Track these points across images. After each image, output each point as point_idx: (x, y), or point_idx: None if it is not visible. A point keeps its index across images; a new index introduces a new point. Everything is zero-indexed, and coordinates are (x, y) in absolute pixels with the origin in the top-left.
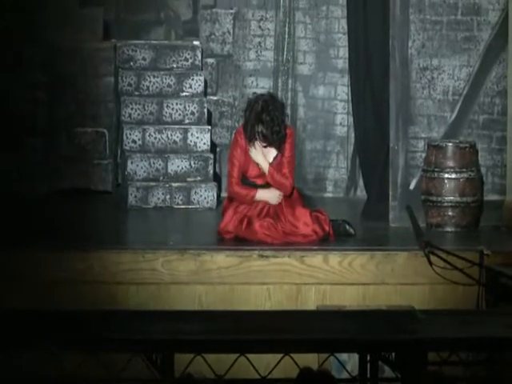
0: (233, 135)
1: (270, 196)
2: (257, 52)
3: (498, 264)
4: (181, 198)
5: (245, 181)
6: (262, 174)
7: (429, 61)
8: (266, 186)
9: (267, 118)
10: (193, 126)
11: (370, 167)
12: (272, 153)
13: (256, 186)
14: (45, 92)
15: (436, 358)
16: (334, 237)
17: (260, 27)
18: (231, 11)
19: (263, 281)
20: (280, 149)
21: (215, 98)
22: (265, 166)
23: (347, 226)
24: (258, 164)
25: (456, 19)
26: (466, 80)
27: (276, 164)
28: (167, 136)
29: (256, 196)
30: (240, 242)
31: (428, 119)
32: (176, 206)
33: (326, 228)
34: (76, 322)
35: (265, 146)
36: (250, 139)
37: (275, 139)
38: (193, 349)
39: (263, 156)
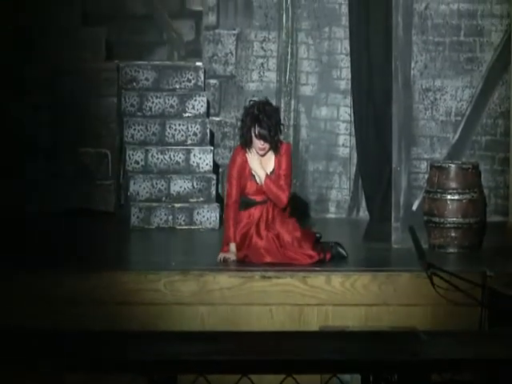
0: (231, 154)
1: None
2: (259, 73)
3: (500, 285)
4: (183, 218)
5: (244, 199)
6: (260, 189)
7: (431, 82)
8: (263, 202)
9: (264, 118)
10: (195, 147)
11: (372, 188)
12: (269, 166)
13: (255, 204)
14: (47, 112)
15: (438, 378)
16: (323, 254)
17: (263, 48)
18: (234, 32)
19: (266, 301)
20: (276, 153)
21: (218, 118)
22: (262, 176)
23: (339, 248)
24: (255, 176)
25: (459, 40)
26: (469, 101)
27: (273, 177)
28: (170, 157)
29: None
30: (242, 262)
31: (431, 140)
32: (178, 227)
33: (313, 242)
34: (77, 342)
35: (262, 155)
36: (247, 144)
37: (272, 138)
38: (195, 370)
39: (261, 165)
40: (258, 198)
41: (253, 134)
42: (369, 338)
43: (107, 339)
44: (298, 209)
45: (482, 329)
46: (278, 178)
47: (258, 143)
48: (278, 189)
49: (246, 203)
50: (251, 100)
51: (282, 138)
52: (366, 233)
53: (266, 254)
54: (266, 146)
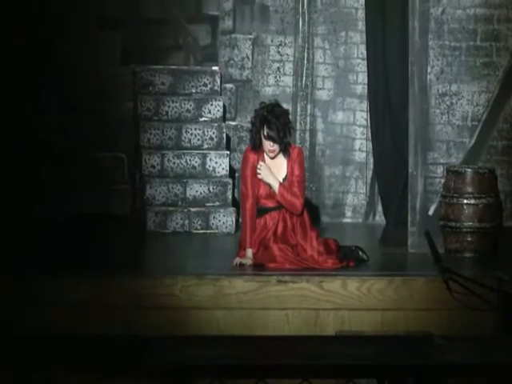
0: (242, 155)
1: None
2: (276, 77)
3: None
4: (199, 222)
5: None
6: (272, 194)
7: (448, 86)
8: (277, 208)
9: (273, 119)
10: (211, 151)
11: (388, 193)
12: (282, 171)
13: (269, 210)
14: (63, 117)
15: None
16: (346, 262)
17: (279, 52)
18: (250, 36)
19: (282, 306)
20: (286, 155)
21: (234, 123)
22: (275, 185)
23: (360, 252)
24: (268, 184)
25: (475, 45)
26: (485, 106)
27: (286, 184)
28: (186, 161)
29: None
30: (258, 267)
31: (447, 145)
32: (194, 231)
33: (336, 253)
34: (93, 347)
35: (272, 157)
36: (257, 146)
37: (281, 140)
38: (211, 374)
39: (273, 175)
40: (270, 204)
41: (262, 136)
42: (385, 343)
43: (122, 344)
44: (314, 214)
45: (497, 333)
46: (291, 184)
47: (268, 144)
48: (291, 196)
49: (259, 211)
50: (262, 102)
51: (291, 140)
52: (383, 237)
53: (284, 262)
54: (276, 147)
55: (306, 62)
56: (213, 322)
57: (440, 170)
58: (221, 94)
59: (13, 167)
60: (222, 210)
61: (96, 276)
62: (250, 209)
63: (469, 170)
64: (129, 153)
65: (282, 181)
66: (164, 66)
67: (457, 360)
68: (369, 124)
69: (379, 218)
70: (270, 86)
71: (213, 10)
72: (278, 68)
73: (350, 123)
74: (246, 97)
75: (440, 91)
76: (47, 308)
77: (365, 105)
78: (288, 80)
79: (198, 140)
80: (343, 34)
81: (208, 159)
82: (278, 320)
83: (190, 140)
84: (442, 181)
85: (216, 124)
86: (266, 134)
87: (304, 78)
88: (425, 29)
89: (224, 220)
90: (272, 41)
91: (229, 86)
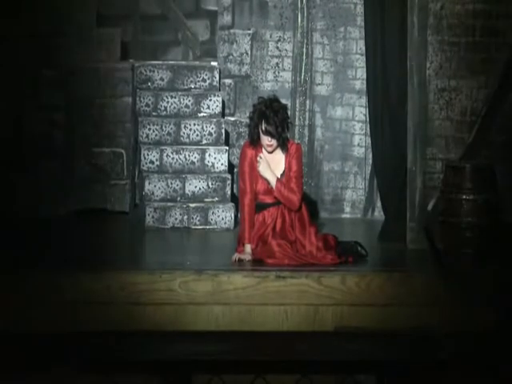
0: (240, 150)
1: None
2: (274, 73)
3: None
4: (198, 218)
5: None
6: (270, 190)
7: (447, 82)
8: (276, 204)
9: (271, 114)
10: (210, 147)
11: (387, 188)
12: (280, 167)
13: (267, 206)
14: (62, 113)
15: (454, 378)
16: (345, 257)
17: (278, 48)
18: (249, 32)
19: (280, 302)
20: (284, 150)
21: (233, 118)
22: (272, 181)
23: (359, 248)
24: (265, 179)
25: (474, 40)
26: (484, 101)
27: (284, 179)
28: (185, 157)
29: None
30: (257, 263)
31: (446, 140)
32: (193, 227)
33: (334, 249)
34: (93, 343)
35: (270, 152)
36: (255, 141)
37: (279, 135)
38: (210, 370)
39: (271, 171)
40: (269, 199)
41: (260, 131)
42: (383, 339)
43: (121, 340)
44: (313, 209)
45: (497, 329)
46: (288, 179)
47: (266, 139)
48: (289, 192)
49: (257, 207)
50: (260, 97)
51: (290, 136)
52: (381, 233)
53: (283, 257)
54: (274, 142)
55: (304, 57)
56: (211, 318)
57: (439, 165)
58: (220, 90)
59: (12, 164)
60: (220, 206)
61: (94, 272)
62: (249, 204)
63: (468, 165)
64: (128, 148)
65: (279, 176)
66: (163, 61)
67: (456, 356)
68: (368, 119)
69: (378, 214)
70: (268, 82)
71: (212, 5)
72: (277, 63)
73: (348, 119)
74: (245, 92)
75: (439, 86)
76: (46, 305)
77: (364, 100)
78: (287, 75)
79: (197, 135)
80: (342, 29)
81: (207, 155)
82: (276, 316)
83: (188, 135)
84: (441, 176)
85: (215, 119)
86: (264, 128)
87: (303, 74)
88: (424, 24)
89: (223, 215)
90: (271, 36)
91: (228, 81)
